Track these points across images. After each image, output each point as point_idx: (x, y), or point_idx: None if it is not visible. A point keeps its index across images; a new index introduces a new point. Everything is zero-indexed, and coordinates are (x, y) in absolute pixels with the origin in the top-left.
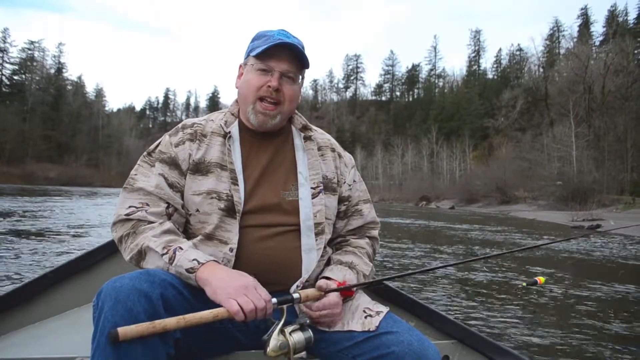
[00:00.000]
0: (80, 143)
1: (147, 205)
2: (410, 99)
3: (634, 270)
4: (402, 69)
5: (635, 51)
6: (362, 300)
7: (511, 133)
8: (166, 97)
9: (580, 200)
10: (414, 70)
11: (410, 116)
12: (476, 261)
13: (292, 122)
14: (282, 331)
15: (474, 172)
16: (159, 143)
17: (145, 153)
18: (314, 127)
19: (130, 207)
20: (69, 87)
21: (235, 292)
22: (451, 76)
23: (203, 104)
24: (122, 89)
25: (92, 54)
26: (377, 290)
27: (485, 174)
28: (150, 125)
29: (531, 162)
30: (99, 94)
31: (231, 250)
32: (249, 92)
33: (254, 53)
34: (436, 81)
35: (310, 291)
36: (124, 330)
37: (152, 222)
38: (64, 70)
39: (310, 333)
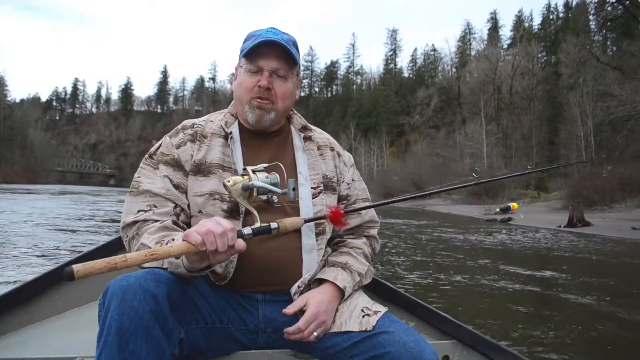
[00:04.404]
0: None
1: (155, 206)
2: (329, 95)
3: (539, 256)
4: (321, 65)
5: (540, 55)
6: (361, 300)
7: (426, 130)
8: (75, 87)
9: (491, 195)
10: (332, 67)
11: (328, 112)
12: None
13: (291, 123)
14: None
15: (391, 167)
16: (160, 145)
17: (146, 156)
18: (313, 127)
19: (139, 211)
20: None
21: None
22: (369, 73)
23: (115, 95)
24: (26, 78)
25: None
26: (376, 289)
27: (402, 169)
28: (58, 118)
29: (445, 158)
30: (0, 83)
31: None
32: (242, 94)
33: (243, 54)
34: (354, 78)
35: (288, 221)
36: (78, 267)
37: (157, 222)
38: None
39: None
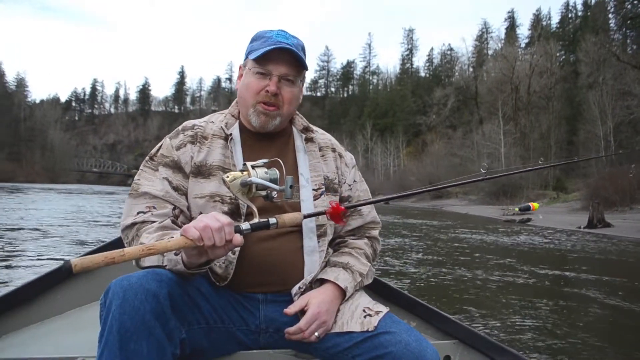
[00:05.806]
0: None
1: (154, 208)
2: (345, 95)
3: (559, 257)
4: (337, 65)
5: (558, 54)
6: (362, 300)
7: (443, 130)
8: (93, 88)
9: (509, 195)
10: (348, 67)
11: (345, 112)
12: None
13: (293, 123)
14: None
15: (408, 167)
16: (160, 147)
17: (147, 158)
18: (314, 127)
19: (138, 213)
20: None
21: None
22: (385, 73)
23: (133, 96)
24: (46, 79)
25: (12, 42)
26: (377, 290)
27: (419, 169)
28: (77, 118)
29: (462, 158)
30: (21, 84)
31: (233, 252)
32: (248, 96)
33: (252, 56)
34: (370, 78)
35: (287, 216)
36: (76, 261)
37: (155, 222)
38: None
39: None
